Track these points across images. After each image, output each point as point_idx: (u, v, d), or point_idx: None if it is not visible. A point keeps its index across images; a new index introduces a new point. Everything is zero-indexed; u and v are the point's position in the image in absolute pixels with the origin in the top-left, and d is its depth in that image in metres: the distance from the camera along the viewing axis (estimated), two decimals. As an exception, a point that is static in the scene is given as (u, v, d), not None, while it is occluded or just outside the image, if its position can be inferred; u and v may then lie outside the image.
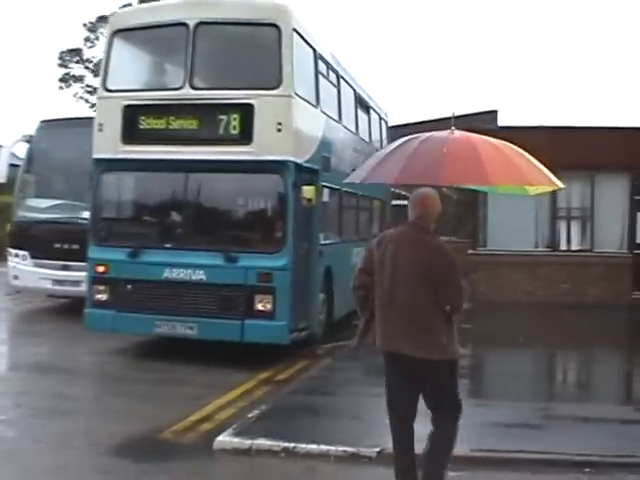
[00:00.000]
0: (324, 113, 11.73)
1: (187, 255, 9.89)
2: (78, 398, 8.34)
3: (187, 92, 10.01)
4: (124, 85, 10.41)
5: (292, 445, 6.30)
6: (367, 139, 15.64)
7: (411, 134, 5.51)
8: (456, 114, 6.03)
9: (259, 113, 9.78)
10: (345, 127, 13.32)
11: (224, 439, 6.51)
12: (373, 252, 5.17)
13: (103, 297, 10.19)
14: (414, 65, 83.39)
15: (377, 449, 6.18)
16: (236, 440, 6.47)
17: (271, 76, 9.90)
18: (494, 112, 31.48)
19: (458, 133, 5.38)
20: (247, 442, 6.39)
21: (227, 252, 9.77)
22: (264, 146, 9.78)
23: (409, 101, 67.55)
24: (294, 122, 9.97)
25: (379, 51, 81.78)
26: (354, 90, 14.44)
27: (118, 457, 6.27)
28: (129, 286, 10.06)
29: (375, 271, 5.11)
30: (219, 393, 8.36)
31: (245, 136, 9.83)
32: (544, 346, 12.30)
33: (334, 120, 12.50)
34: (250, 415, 7.28)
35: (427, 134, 5.43)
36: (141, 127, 10.18)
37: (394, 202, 30.11)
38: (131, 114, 10.19)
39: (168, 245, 10.09)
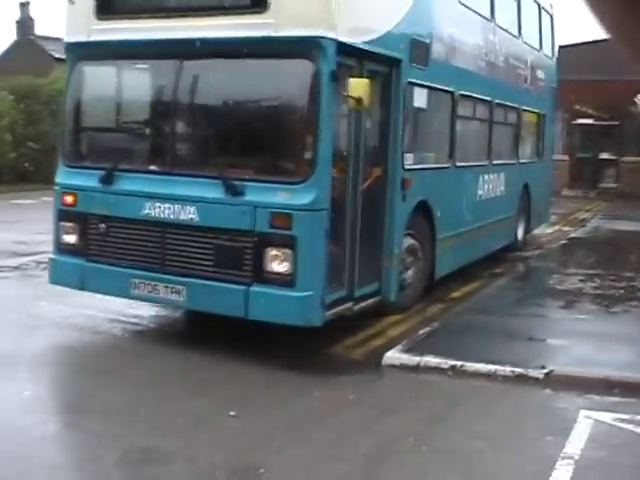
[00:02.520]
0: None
1: (175, 183, 6.59)
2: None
3: None
4: None
5: (460, 363, 6.24)
6: (513, 31, 11.34)
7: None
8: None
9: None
10: (465, 4, 9.23)
11: (393, 355, 6.48)
12: None
13: (71, 240, 7.19)
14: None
15: (545, 371, 6.06)
16: (404, 356, 6.45)
17: None
18: None
19: None
20: (415, 359, 6.36)
21: (229, 180, 6.35)
22: (285, 14, 6.15)
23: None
24: (336, -26, 6.23)
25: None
26: None
27: (285, 369, 6.21)
28: (102, 225, 6.99)
29: None
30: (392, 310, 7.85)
31: (258, -1, 6.28)
32: None
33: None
34: (420, 332, 7.19)
35: None
36: (121, -8, 6.93)
37: (579, 121, 25.27)
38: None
39: (152, 167, 6.83)
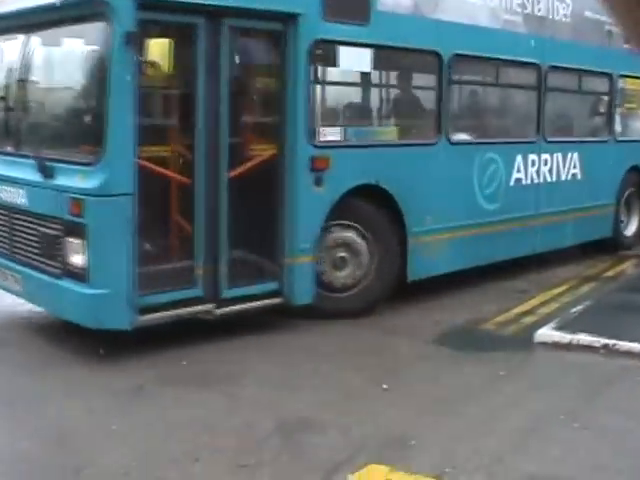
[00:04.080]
0: None
1: (17, 165, 6.18)
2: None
3: None
4: None
5: (612, 342, 6.12)
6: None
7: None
8: None
9: None
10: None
11: (545, 332, 6.45)
12: None
13: None
14: None
15: None
16: (556, 334, 6.40)
17: None
18: None
19: None
20: (567, 336, 6.31)
21: (40, 160, 5.75)
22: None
23: None
24: None
25: None
26: None
27: (438, 344, 6.40)
28: None
29: None
30: (544, 288, 8.17)
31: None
32: None
33: None
34: (573, 310, 7.11)
35: None
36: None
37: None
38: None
39: (7, 149, 6.45)
